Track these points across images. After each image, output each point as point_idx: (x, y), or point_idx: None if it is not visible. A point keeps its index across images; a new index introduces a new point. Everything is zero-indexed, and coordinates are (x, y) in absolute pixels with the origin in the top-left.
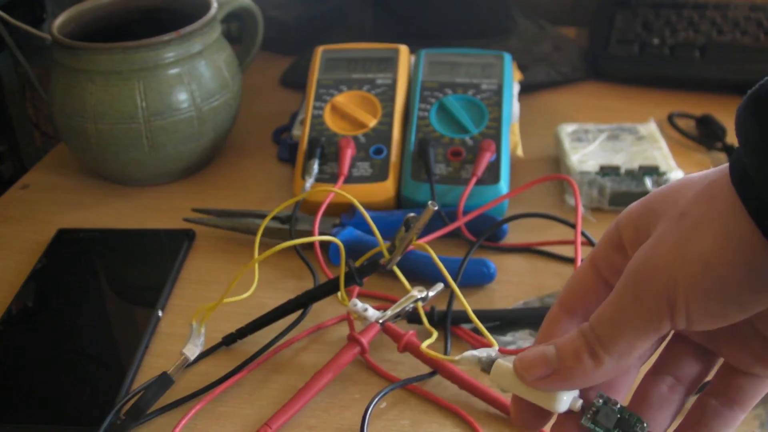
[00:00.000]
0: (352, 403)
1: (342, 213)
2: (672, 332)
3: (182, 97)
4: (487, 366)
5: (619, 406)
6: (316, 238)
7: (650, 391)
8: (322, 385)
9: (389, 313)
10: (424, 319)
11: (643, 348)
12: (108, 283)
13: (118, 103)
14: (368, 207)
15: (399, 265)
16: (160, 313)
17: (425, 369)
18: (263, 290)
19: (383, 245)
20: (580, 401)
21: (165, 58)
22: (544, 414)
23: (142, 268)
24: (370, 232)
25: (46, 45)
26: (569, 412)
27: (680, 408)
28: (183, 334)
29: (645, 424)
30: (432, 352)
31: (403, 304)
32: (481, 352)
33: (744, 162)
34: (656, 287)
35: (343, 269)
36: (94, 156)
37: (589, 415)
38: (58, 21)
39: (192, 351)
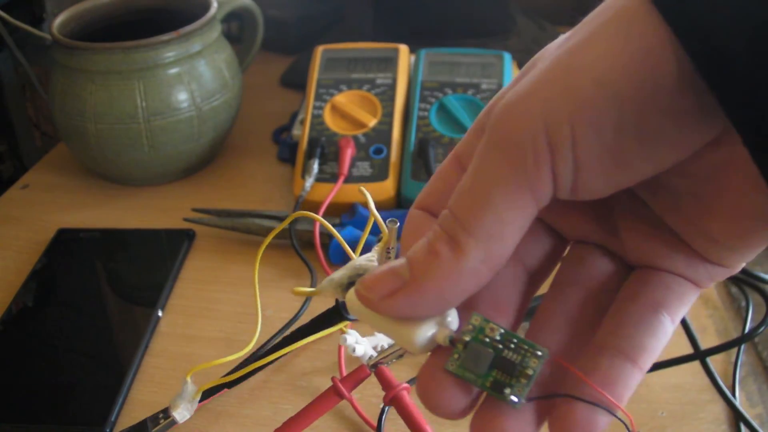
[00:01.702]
0: None
1: (342, 213)
2: (570, 245)
3: (182, 97)
4: (345, 293)
5: (501, 332)
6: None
7: (552, 308)
8: None
9: (382, 355)
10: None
11: (517, 223)
12: (108, 283)
13: (118, 103)
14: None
15: None
16: (160, 313)
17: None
18: (263, 290)
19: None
20: (449, 332)
21: (165, 58)
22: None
23: (142, 267)
24: (370, 232)
25: (46, 45)
26: (440, 351)
27: (592, 327)
28: (183, 334)
29: (541, 353)
30: (303, 290)
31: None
32: (344, 272)
33: None
34: (529, 121)
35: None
36: (94, 156)
37: (456, 355)
38: (58, 21)
39: (182, 415)
